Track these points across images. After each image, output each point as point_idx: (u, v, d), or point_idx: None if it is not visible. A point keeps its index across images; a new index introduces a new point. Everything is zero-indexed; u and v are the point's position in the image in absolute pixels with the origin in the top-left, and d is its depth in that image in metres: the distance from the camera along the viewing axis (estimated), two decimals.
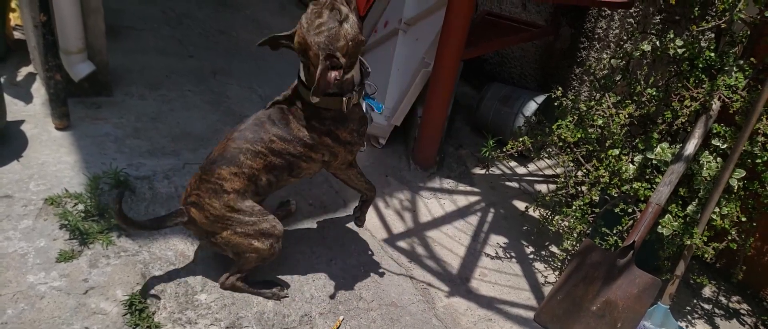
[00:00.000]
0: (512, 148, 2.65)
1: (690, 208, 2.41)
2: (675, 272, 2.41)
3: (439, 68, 2.91)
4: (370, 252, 2.64)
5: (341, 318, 2.29)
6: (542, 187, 3.31)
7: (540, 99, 3.30)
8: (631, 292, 2.33)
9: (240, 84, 3.55)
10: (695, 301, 2.76)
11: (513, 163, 3.46)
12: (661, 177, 2.43)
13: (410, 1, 3.50)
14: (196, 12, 4.24)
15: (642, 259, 2.37)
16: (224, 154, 2.08)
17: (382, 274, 2.54)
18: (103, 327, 1.99)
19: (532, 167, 3.47)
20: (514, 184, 3.31)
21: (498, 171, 3.38)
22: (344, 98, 2.03)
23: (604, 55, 3.20)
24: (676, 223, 2.37)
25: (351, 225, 2.75)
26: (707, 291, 2.83)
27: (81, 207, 2.38)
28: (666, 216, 2.38)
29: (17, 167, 2.56)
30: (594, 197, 2.54)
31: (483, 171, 3.33)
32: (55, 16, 2.70)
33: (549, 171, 3.46)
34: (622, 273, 2.35)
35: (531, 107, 3.28)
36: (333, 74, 1.89)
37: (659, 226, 2.37)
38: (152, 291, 2.16)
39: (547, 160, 3.53)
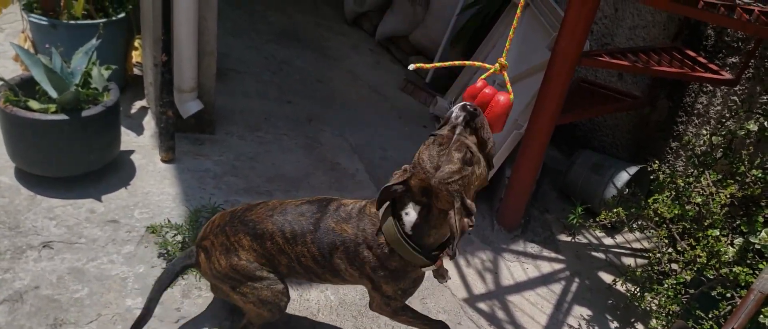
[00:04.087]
0: (605, 218, 2.59)
1: None
2: None
3: (532, 131, 2.91)
4: (449, 311, 2.61)
5: None
6: (630, 261, 3.19)
7: (633, 170, 3.22)
8: None
9: (333, 132, 3.67)
10: None
11: (600, 233, 3.36)
12: (764, 263, 2.30)
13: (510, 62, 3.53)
14: (296, 60, 4.46)
15: None
16: (257, 227, 1.93)
17: None
18: None
19: (619, 239, 3.36)
20: (601, 255, 3.21)
21: (584, 240, 3.29)
22: (434, 265, 1.84)
23: (704, 131, 3.10)
24: None
25: (431, 280, 2.74)
26: None
27: (180, 237, 2.50)
28: None
29: (124, 194, 2.74)
30: (687, 277, 2.43)
31: (569, 239, 3.26)
32: (175, 56, 2.92)
33: (637, 245, 3.33)
34: None
35: (623, 178, 3.21)
36: (467, 221, 1.67)
37: (762, 315, 2.23)
38: None
39: (636, 233, 3.41)
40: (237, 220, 1.97)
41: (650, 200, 2.54)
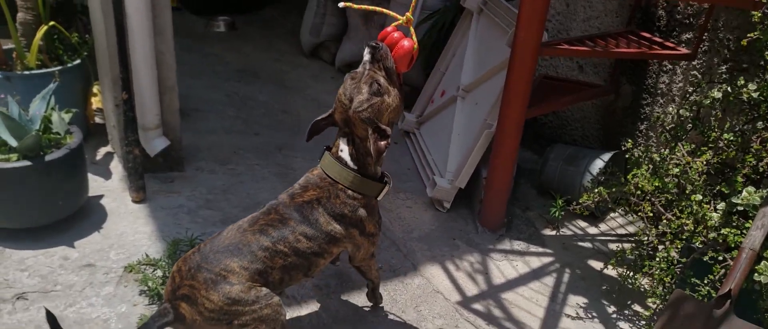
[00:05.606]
0: (589, 200, 2.59)
1: None
2: None
3: (502, 127, 2.92)
4: (445, 316, 2.55)
5: None
6: (616, 246, 3.18)
7: (606, 156, 3.25)
8: None
9: (305, 157, 3.63)
10: None
11: (583, 224, 3.36)
12: (750, 222, 2.32)
13: (467, 69, 3.58)
14: (258, 95, 4.43)
15: (739, 313, 2.21)
16: (238, 246, 1.87)
17: None
18: None
19: (603, 227, 3.37)
20: (587, 244, 3.20)
21: (569, 232, 3.28)
22: (386, 187, 2.08)
23: (670, 108, 3.15)
24: None
25: (423, 287, 2.69)
26: None
27: (159, 272, 2.41)
28: (762, 263, 2.25)
29: (98, 238, 2.63)
30: (678, 247, 2.43)
31: (553, 233, 3.25)
32: (135, 94, 2.85)
33: (622, 231, 3.34)
34: (721, 325, 2.20)
35: (598, 165, 3.23)
36: (382, 143, 1.94)
37: (756, 274, 2.24)
38: None
39: (618, 220, 3.42)
40: (211, 253, 1.86)
41: (630, 176, 2.55)
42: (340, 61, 4.96)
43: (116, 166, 3.18)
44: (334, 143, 2.07)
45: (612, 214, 3.46)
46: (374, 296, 2.49)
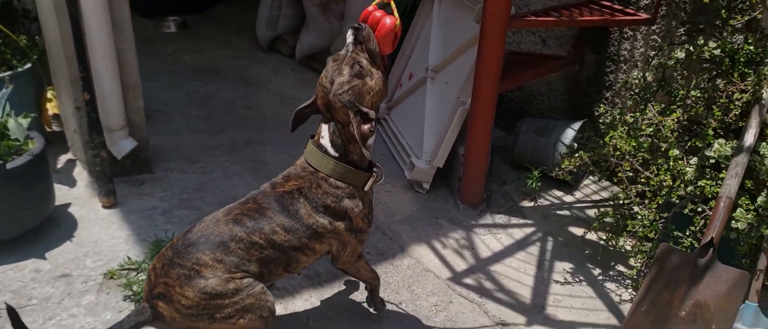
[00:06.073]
0: (571, 165, 2.62)
1: (760, 199, 2.35)
2: (758, 266, 2.33)
3: (477, 101, 2.93)
4: (438, 293, 2.55)
5: None
6: (593, 212, 3.25)
7: (576, 125, 3.30)
8: (720, 290, 2.23)
9: (275, 151, 3.55)
10: None
11: (559, 193, 3.41)
12: (724, 173, 2.39)
13: (434, 50, 3.57)
14: (219, 93, 4.31)
15: (720, 260, 2.29)
16: (210, 238, 1.79)
17: (456, 313, 2.44)
18: None
19: (578, 195, 3.42)
20: (566, 212, 3.25)
21: (546, 202, 3.33)
22: (373, 177, 1.95)
23: (635, 73, 3.23)
24: (750, 215, 2.31)
25: (413, 267, 2.68)
26: None
27: (143, 275, 2.31)
28: (738, 210, 2.33)
29: (71, 247, 2.51)
30: (658, 203, 2.49)
31: (531, 204, 3.28)
32: (97, 94, 2.73)
33: (596, 197, 3.41)
34: (707, 272, 2.26)
35: (569, 135, 3.28)
36: (366, 126, 1.84)
37: (733, 221, 2.31)
38: None
39: (591, 187, 3.49)
40: (183, 248, 1.78)
41: (607, 138, 2.59)
42: (301, 53, 4.88)
43: (80, 173, 3.04)
44: (316, 131, 1.96)
45: (585, 182, 3.52)
46: (374, 300, 2.32)
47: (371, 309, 2.34)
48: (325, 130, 1.91)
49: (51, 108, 3.17)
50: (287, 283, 2.47)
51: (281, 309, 2.32)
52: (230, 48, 5.29)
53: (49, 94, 3.17)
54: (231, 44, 5.38)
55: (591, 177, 3.52)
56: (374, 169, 1.98)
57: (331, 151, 1.90)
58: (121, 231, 2.63)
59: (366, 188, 1.96)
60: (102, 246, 2.52)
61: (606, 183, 3.49)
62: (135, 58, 2.89)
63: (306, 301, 2.39)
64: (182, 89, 4.28)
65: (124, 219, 2.71)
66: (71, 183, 2.95)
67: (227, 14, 6.20)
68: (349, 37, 1.86)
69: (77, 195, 2.86)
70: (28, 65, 3.03)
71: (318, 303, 2.39)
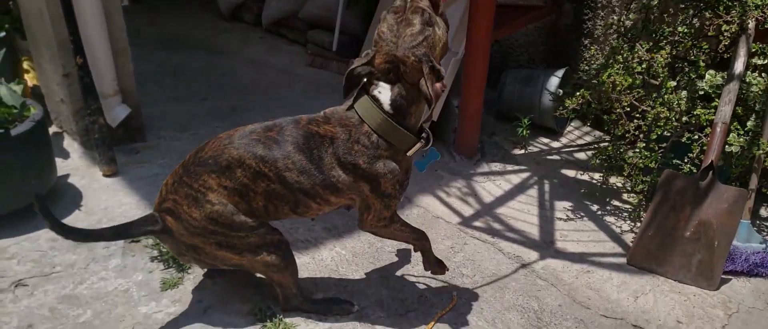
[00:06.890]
0: (574, 103, 2.73)
1: (750, 123, 2.54)
2: (750, 186, 2.51)
3: (472, 52, 2.99)
4: (452, 236, 2.61)
5: (454, 293, 2.25)
6: (581, 156, 3.40)
7: (560, 73, 3.42)
8: (722, 208, 2.40)
9: (262, 114, 3.50)
10: None
11: (546, 140, 3.54)
12: (717, 101, 2.55)
13: None
14: (190, 63, 4.20)
15: None
16: (218, 160, 1.71)
17: (473, 252, 2.52)
18: None
19: (564, 140, 3.57)
20: (556, 157, 3.39)
21: (536, 149, 3.45)
22: (420, 142, 1.76)
23: (614, 17, 3.37)
24: (742, 139, 2.49)
25: (423, 215, 2.73)
26: None
27: None
28: (731, 135, 2.50)
29: (81, 216, 2.42)
30: (657, 134, 2.62)
31: (522, 151, 3.39)
32: (88, 58, 2.61)
33: (581, 142, 3.56)
34: (709, 193, 2.43)
35: (554, 82, 3.40)
36: (439, 85, 1.65)
37: (727, 145, 2.48)
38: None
39: (575, 132, 3.64)
40: (192, 165, 1.74)
41: (604, 76, 2.71)
42: (268, 19, 4.79)
43: (71, 144, 2.91)
44: (370, 85, 1.72)
45: (568, 129, 3.67)
46: (429, 262, 2.14)
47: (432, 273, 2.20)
48: (386, 91, 1.69)
49: (29, 79, 3.01)
50: (309, 235, 2.48)
51: (308, 258, 2.33)
52: (190, 19, 5.15)
53: (26, 65, 3.00)
54: (189, 15, 5.24)
55: (572, 124, 3.67)
56: (423, 134, 1.78)
57: (388, 107, 1.70)
58: (128, 197, 2.55)
59: (410, 153, 1.77)
60: (114, 213, 2.44)
61: (587, 129, 3.65)
62: (122, 21, 2.79)
63: (331, 251, 2.40)
64: (152, 62, 4.14)
65: (129, 186, 2.63)
66: (64, 155, 2.82)
67: None
68: None
69: (74, 166, 2.74)
70: (2, 34, 2.85)
71: (344, 252, 2.41)
